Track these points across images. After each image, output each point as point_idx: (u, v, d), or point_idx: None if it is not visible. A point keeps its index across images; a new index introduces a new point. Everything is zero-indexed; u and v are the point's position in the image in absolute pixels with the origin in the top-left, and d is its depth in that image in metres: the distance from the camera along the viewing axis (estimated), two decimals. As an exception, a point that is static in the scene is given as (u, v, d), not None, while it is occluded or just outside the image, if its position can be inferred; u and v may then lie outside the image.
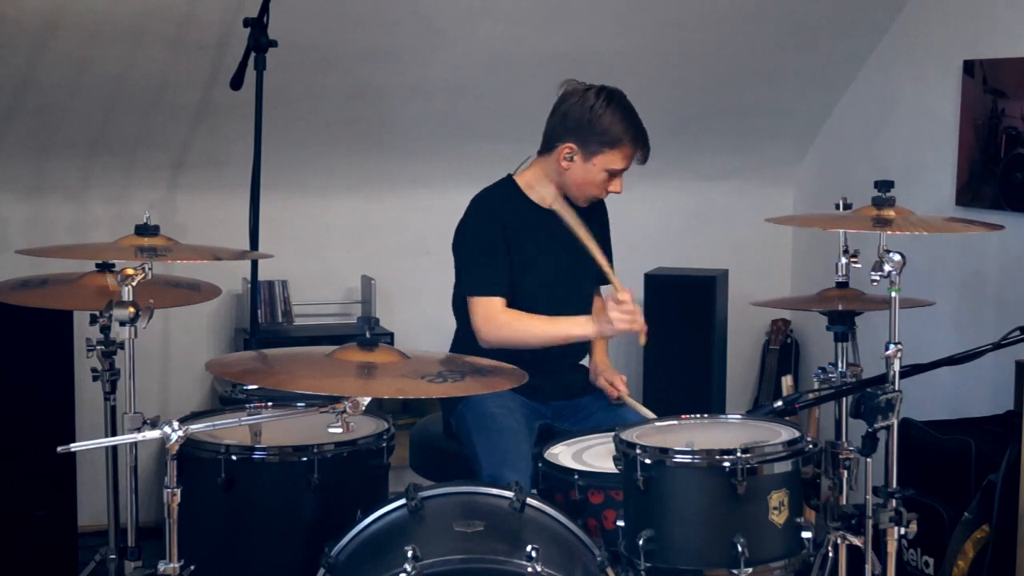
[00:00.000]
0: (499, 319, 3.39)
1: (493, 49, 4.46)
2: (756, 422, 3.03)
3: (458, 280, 3.51)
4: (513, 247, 3.43)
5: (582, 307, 3.53)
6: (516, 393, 3.27)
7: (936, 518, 3.74)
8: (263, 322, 4.62)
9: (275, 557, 2.82)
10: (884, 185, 2.94)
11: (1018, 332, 3.13)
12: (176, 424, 2.40)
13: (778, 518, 2.70)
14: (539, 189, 3.50)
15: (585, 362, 3.69)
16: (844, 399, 3.12)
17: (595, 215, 3.57)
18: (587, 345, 3.65)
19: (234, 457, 2.80)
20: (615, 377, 3.56)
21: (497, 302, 3.40)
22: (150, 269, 2.79)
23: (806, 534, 2.74)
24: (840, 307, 3.19)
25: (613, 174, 3.45)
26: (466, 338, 3.48)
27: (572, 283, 3.52)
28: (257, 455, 2.83)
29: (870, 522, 2.83)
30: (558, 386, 3.52)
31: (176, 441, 2.39)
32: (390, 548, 2.51)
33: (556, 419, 3.50)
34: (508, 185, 3.53)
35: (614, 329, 3.31)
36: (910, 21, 4.70)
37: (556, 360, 3.48)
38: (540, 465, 3.09)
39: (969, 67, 4.40)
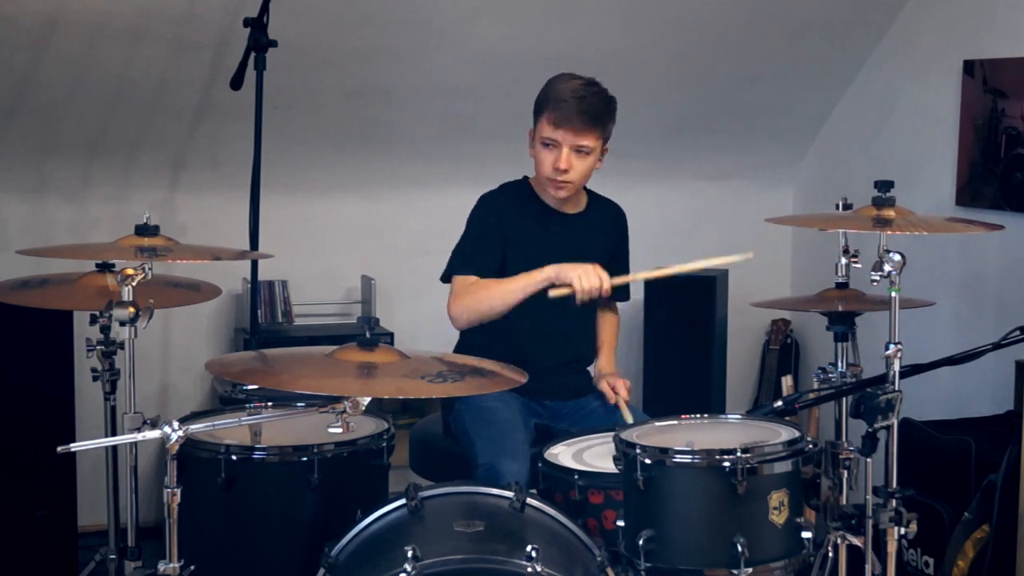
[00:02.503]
0: (464, 290, 3.33)
1: (493, 49, 4.46)
2: (756, 422, 3.03)
3: None
4: (513, 244, 3.41)
5: (583, 310, 3.44)
6: (513, 392, 3.26)
7: (936, 518, 3.74)
8: (263, 322, 4.62)
9: (275, 557, 2.82)
10: (884, 185, 2.93)
11: (1018, 332, 3.13)
12: (176, 424, 2.40)
13: (778, 518, 2.70)
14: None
15: (590, 366, 3.67)
16: (844, 399, 3.11)
17: (610, 223, 3.56)
18: (586, 347, 3.63)
19: (234, 457, 2.80)
20: (617, 381, 3.52)
21: (470, 278, 3.34)
22: (150, 269, 2.79)
23: (806, 534, 2.73)
24: (840, 307, 3.18)
25: (546, 144, 3.33)
26: (469, 339, 3.47)
27: None
28: (257, 455, 2.83)
29: (870, 522, 2.83)
30: (555, 387, 3.50)
31: (176, 441, 2.39)
32: (390, 548, 2.51)
33: (552, 419, 3.49)
34: (520, 184, 3.52)
35: (567, 275, 3.16)
36: (910, 21, 4.70)
37: (553, 360, 3.47)
38: (540, 465, 3.09)
39: (969, 67, 4.39)
